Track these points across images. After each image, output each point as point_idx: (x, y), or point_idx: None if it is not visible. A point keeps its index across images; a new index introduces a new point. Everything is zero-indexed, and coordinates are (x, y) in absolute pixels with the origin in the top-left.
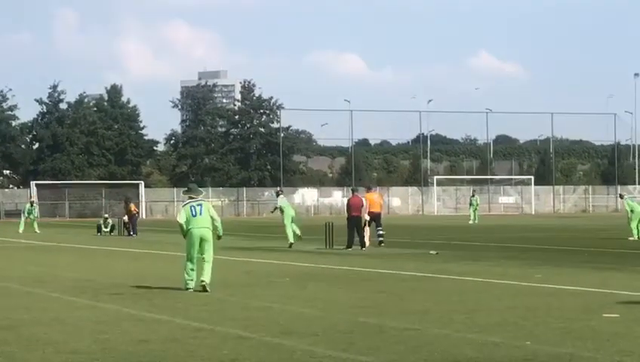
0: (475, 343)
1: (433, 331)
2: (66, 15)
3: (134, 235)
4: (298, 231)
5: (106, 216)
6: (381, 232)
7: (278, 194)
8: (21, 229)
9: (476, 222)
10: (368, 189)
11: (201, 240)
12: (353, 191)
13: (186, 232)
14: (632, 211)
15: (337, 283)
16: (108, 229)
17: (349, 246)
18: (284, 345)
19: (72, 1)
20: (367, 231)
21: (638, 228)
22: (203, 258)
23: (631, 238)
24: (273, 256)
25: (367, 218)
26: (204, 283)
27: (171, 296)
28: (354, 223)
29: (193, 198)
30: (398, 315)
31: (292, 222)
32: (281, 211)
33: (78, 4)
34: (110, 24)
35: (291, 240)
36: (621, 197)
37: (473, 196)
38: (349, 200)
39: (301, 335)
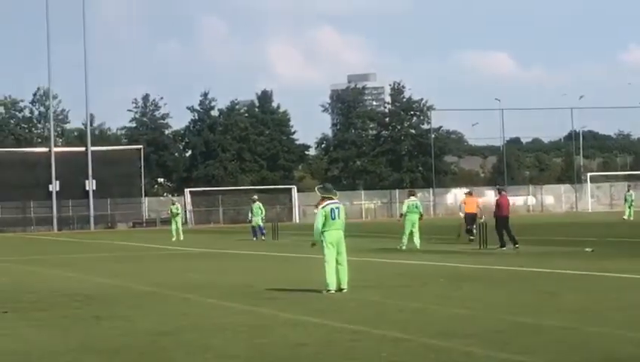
0: (637, 340)
1: (592, 329)
2: (214, 23)
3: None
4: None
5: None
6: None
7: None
8: (174, 238)
9: (631, 218)
10: (469, 194)
11: (338, 242)
12: (500, 190)
13: (321, 234)
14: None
15: (492, 283)
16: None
17: (502, 245)
18: (441, 346)
19: (221, 8)
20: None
21: None
22: (338, 261)
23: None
24: (426, 257)
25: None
26: (344, 290)
27: (326, 299)
28: (502, 223)
29: (331, 199)
30: (554, 314)
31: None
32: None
33: (226, 12)
34: (258, 31)
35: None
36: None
37: (628, 191)
38: (497, 200)
39: (458, 336)
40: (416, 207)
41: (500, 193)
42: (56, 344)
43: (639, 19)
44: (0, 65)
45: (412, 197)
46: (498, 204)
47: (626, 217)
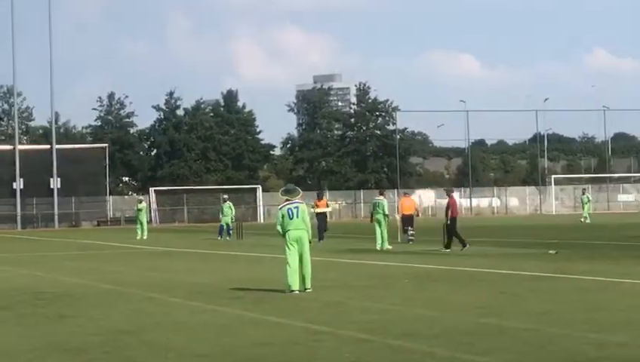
0: (597, 343)
1: (554, 331)
2: (180, 22)
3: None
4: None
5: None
6: (411, 232)
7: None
8: (138, 236)
9: (587, 220)
10: (405, 194)
11: (298, 242)
12: (448, 192)
13: (283, 234)
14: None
15: (456, 284)
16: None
17: (464, 245)
18: (404, 347)
19: (186, 8)
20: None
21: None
22: (301, 261)
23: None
24: (390, 258)
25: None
26: (308, 290)
27: (291, 299)
28: (455, 223)
29: (290, 200)
30: (518, 315)
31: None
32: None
33: (191, 11)
34: (224, 30)
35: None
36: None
37: (583, 194)
38: (448, 202)
39: (422, 336)
40: (378, 206)
41: (448, 195)
42: (20, 342)
43: (604, 22)
44: None
45: (378, 196)
46: (449, 206)
47: (582, 219)
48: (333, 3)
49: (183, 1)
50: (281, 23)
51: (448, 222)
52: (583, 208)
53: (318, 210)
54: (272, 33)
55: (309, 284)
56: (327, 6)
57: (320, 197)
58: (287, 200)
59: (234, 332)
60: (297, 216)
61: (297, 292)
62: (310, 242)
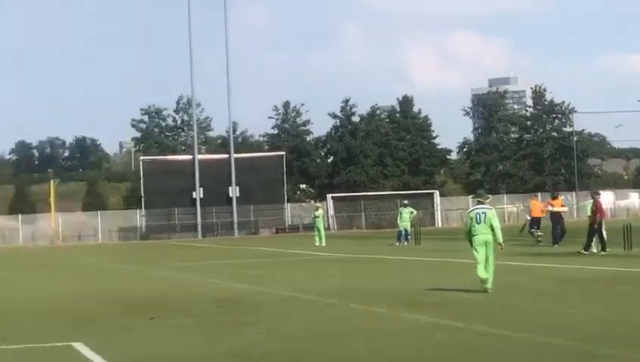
0: None
1: None
2: (351, 30)
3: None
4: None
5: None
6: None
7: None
8: (317, 243)
9: None
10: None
11: (484, 245)
12: (594, 194)
13: (470, 238)
14: None
15: None
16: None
17: (603, 249)
18: (586, 350)
19: (357, 16)
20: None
21: None
22: (485, 263)
23: None
24: (570, 261)
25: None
26: (488, 290)
27: (467, 303)
28: (601, 226)
29: (481, 203)
30: None
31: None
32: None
33: (362, 19)
34: (396, 37)
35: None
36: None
37: None
38: (596, 204)
39: (602, 339)
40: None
41: (593, 197)
42: (203, 350)
43: None
44: (146, 74)
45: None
46: (596, 208)
47: None
48: (507, 6)
49: (354, 10)
50: (452, 27)
51: (595, 225)
52: None
53: (555, 209)
54: (444, 38)
55: (490, 285)
56: (501, 9)
57: (554, 197)
58: (479, 202)
59: (415, 338)
60: (484, 221)
61: (489, 290)
62: (501, 246)
